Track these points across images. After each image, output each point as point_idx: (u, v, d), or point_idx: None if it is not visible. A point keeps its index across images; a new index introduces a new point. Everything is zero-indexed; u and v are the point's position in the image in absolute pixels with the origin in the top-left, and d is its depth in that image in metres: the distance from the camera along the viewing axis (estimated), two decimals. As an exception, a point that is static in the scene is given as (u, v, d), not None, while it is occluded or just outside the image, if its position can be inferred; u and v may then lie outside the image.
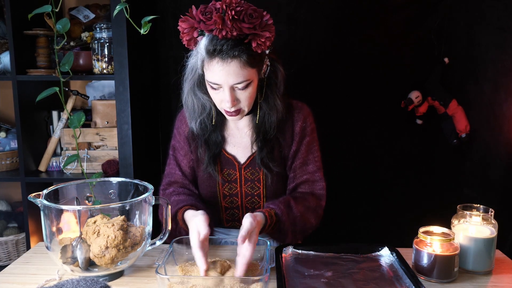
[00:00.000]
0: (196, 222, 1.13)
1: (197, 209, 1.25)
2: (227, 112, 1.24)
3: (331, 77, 2.15)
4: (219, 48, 1.13)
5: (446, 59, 2.11)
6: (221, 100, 1.21)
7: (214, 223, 1.42)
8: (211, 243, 1.27)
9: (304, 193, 1.34)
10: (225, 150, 1.35)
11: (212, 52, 1.14)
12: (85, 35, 2.06)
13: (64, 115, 2.06)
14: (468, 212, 1.18)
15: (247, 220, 1.10)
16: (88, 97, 2.10)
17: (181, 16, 1.16)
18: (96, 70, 1.96)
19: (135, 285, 1.08)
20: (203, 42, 1.16)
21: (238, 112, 1.23)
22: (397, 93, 2.16)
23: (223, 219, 1.40)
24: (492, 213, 1.17)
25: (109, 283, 1.01)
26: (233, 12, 1.09)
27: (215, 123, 1.33)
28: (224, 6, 1.10)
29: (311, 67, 2.12)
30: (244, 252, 1.07)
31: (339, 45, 2.12)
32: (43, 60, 1.98)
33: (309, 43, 2.12)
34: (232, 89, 1.18)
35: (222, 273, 1.10)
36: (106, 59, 1.94)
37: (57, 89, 1.57)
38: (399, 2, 2.09)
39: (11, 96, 1.98)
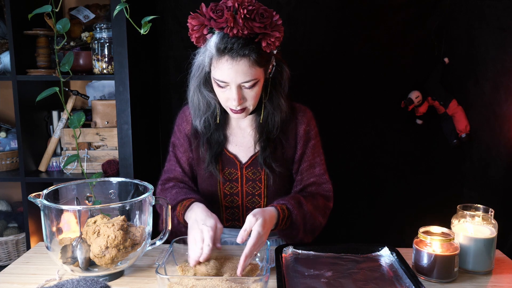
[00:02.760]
0: (208, 220, 1.14)
1: (199, 202, 1.25)
2: (232, 110, 1.24)
3: (331, 77, 2.15)
4: (230, 46, 1.13)
5: (446, 59, 2.11)
6: (227, 98, 1.22)
7: None
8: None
9: (313, 193, 1.35)
10: (227, 149, 1.36)
11: (223, 50, 1.14)
12: (85, 35, 2.06)
13: (64, 115, 2.06)
14: (468, 212, 1.18)
15: (248, 219, 1.11)
16: (88, 97, 2.10)
17: (191, 13, 1.16)
18: (96, 70, 1.96)
19: (135, 285, 1.08)
20: (213, 39, 1.16)
21: (243, 110, 1.24)
22: (397, 93, 2.16)
23: (223, 218, 1.41)
24: (492, 213, 1.17)
25: (109, 283, 1.02)
26: (245, 11, 1.09)
27: (219, 122, 1.33)
28: (236, 5, 1.10)
29: (311, 67, 2.12)
30: (246, 245, 1.07)
31: (339, 45, 2.12)
32: (43, 60, 1.98)
33: (309, 43, 2.12)
34: (239, 87, 1.19)
35: (217, 270, 1.10)
36: (106, 59, 1.94)
37: (57, 89, 1.57)
38: (399, 2, 2.09)
39: (11, 96, 1.98)
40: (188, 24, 1.17)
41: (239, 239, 1.08)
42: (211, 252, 1.09)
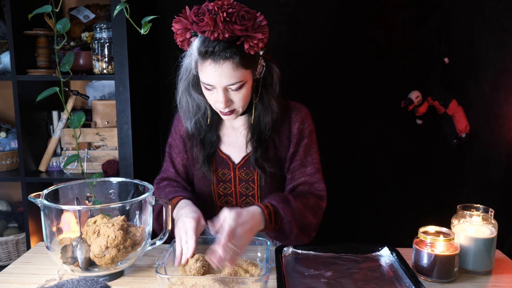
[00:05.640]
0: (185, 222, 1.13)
1: (187, 199, 1.25)
2: (221, 112, 1.24)
3: (331, 77, 2.15)
4: (211, 50, 1.12)
5: (446, 59, 2.11)
6: (215, 101, 1.22)
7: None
8: (207, 243, 1.28)
9: (304, 192, 1.33)
10: (220, 149, 1.35)
11: (204, 54, 1.14)
12: (85, 35, 2.06)
13: (64, 115, 2.06)
14: (468, 212, 1.18)
15: (222, 212, 1.08)
16: (88, 97, 2.10)
17: (175, 16, 1.16)
18: (96, 70, 1.96)
19: (135, 285, 1.08)
20: (195, 43, 1.16)
21: (232, 112, 1.23)
22: (397, 93, 2.16)
23: None
24: (492, 213, 1.17)
25: (109, 283, 1.02)
26: (224, 14, 1.08)
27: (210, 123, 1.33)
28: (216, 8, 1.09)
29: (311, 67, 2.12)
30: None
31: (339, 45, 2.12)
32: (43, 60, 1.98)
33: (309, 43, 2.12)
34: (226, 90, 1.18)
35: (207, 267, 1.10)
36: (106, 59, 1.94)
37: (57, 89, 1.57)
38: (399, 2, 2.09)
39: (11, 96, 1.98)
40: (172, 28, 1.17)
41: (211, 231, 1.07)
42: (196, 244, 1.08)
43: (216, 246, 1.02)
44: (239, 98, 1.20)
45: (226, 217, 1.08)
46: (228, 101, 1.20)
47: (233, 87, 1.17)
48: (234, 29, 1.10)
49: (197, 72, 1.21)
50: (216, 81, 1.16)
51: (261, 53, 1.21)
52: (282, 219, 1.22)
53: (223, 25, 1.09)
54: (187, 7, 1.14)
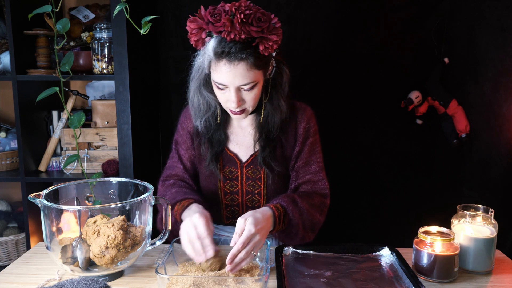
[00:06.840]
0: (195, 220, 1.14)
1: (198, 204, 1.25)
2: (232, 111, 1.26)
3: (331, 77, 2.15)
4: (227, 50, 1.14)
5: (446, 59, 2.11)
6: (227, 100, 1.23)
7: (214, 220, 1.43)
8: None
9: (308, 192, 1.35)
10: (228, 148, 1.37)
11: (220, 54, 1.15)
12: (85, 35, 2.06)
13: (64, 115, 2.06)
14: (468, 212, 1.18)
15: (238, 222, 1.10)
16: (88, 97, 2.10)
17: (190, 16, 1.17)
18: (96, 70, 1.96)
19: (135, 285, 1.08)
20: (211, 43, 1.17)
21: (243, 111, 1.25)
22: (397, 93, 2.16)
23: (223, 216, 1.42)
24: (492, 213, 1.17)
25: (109, 283, 1.02)
26: (242, 16, 1.10)
27: (220, 122, 1.34)
28: (233, 9, 1.11)
29: (311, 67, 2.12)
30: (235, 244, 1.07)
31: (339, 45, 2.12)
32: (43, 60, 1.98)
33: (309, 43, 2.12)
34: (238, 89, 1.20)
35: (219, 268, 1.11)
36: (106, 59, 1.94)
37: (57, 89, 1.57)
38: (399, 2, 2.09)
39: (11, 96, 1.98)
40: (187, 27, 1.18)
41: (232, 243, 1.08)
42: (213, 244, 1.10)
43: (231, 255, 1.05)
44: (250, 98, 1.22)
45: (243, 224, 1.09)
46: (240, 101, 1.21)
47: (246, 87, 1.19)
48: (250, 31, 1.12)
49: (209, 71, 1.23)
50: (230, 81, 1.17)
51: (273, 54, 1.23)
52: (290, 221, 1.24)
53: (240, 26, 1.10)
54: (202, 7, 1.15)
